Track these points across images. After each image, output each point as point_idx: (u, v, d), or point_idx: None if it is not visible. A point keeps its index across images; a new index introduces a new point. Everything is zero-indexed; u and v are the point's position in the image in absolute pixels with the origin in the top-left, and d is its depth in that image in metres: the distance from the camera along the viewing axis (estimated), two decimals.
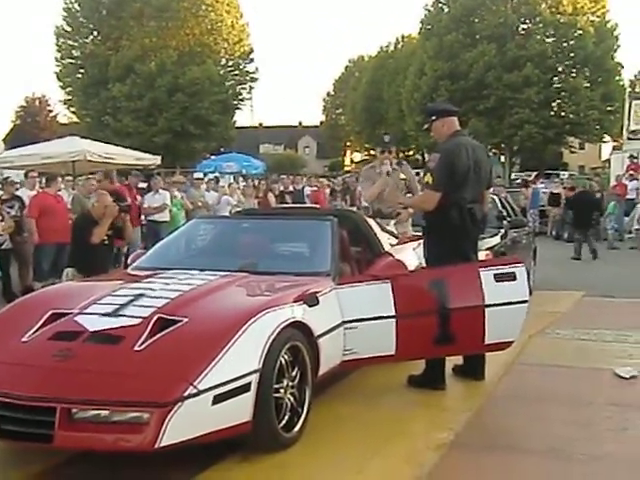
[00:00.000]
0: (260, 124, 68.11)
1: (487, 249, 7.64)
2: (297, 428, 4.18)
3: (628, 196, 19.36)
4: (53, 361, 3.78)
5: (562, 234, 18.70)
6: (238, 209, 11.34)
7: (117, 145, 20.03)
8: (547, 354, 6.43)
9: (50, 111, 53.32)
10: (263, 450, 3.98)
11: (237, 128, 47.40)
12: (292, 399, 4.16)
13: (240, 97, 45.76)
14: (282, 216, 6.65)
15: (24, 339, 4.05)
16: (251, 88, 46.10)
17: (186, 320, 4.05)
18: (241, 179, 22.63)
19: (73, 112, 44.82)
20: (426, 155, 43.82)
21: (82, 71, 42.44)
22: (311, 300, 4.55)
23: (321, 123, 71.20)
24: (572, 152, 46.16)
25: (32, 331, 4.10)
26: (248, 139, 54.89)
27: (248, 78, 45.26)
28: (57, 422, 3.45)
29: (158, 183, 12.19)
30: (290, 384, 4.15)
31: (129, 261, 5.95)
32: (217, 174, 20.84)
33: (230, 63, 44.41)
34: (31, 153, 15.31)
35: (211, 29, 42.58)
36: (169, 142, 39.43)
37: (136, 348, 3.83)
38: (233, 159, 28.48)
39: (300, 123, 77.21)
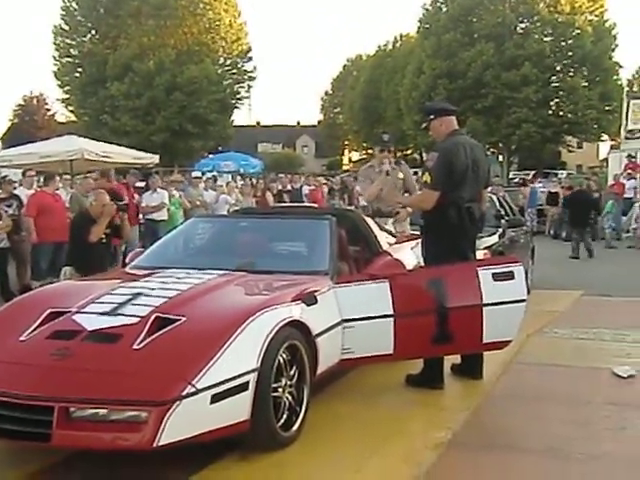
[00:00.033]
0: (258, 123, 68.22)
1: (485, 248, 7.64)
2: (295, 427, 4.18)
3: (626, 195, 19.39)
4: (51, 360, 3.77)
5: (560, 233, 18.72)
6: (236, 208, 11.32)
7: (115, 144, 19.99)
8: (545, 353, 6.44)
9: (48, 110, 53.31)
10: (261, 449, 3.98)
11: (235, 127, 47.43)
12: (290, 398, 4.16)
13: (238, 96, 45.78)
14: (280, 215, 6.64)
15: (22, 338, 4.04)
16: (249, 87, 46.18)
17: (184, 319, 4.04)
18: (239, 178, 22.64)
19: (71, 111, 44.82)
20: (424, 154, 43.83)
21: (80, 70, 42.43)
22: (309, 299, 4.55)
23: (319, 122, 71.18)
24: (570, 151, 46.20)
25: (30, 330, 4.10)
26: (246, 138, 54.95)
27: (246, 77, 45.29)
28: (55, 421, 3.45)
29: (156, 182, 12.18)
30: (288, 383, 4.15)
31: (127, 260, 5.95)
32: (215, 173, 20.84)
33: (228, 62, 44.44)
34: (29, 152, 15.27)
35: (209, 28, 42.58)
36: (167, 141, 39.46)
37: (134, 347, 3.82)
38: (231, 158, 28.45)
39: (298, 122, 77.23)
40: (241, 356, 3.81)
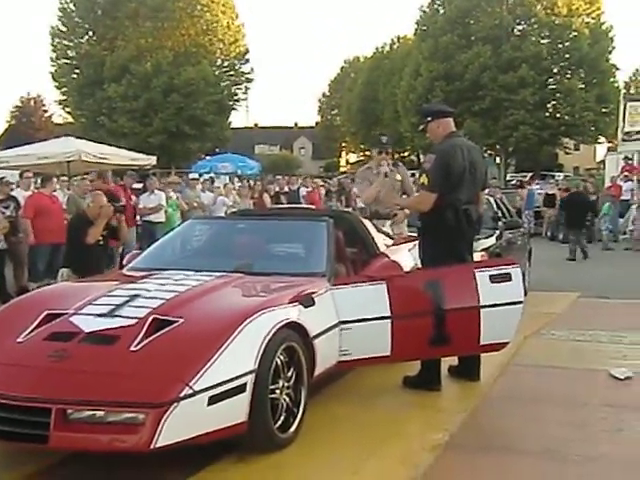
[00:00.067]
0: (255, 125, 68.13)
1: (482, 250, 7.65)
2: (293, 429, 4.18)
3: (623, 197, 19.44)
4: (48, 362, 3.77)
5: (557, 235, 18.76)
6: (233, 210, 11.34)
7: (112, 145, 20.00)
8: (542, 355, 6.44)
9: (45, 111, 53.34)
10: (259, 451, 3.98)
11: (232, 129, 47.36)
12: (288, 400, 4.16)
13: (235, 98, 45.75)
14: (278, 217, 6.65)
15: (19, 340, 4.04)
16: (246, 89, 46.14)
17: (182, 321, 4.04)
18: (236, 180, 22.61)
19: (68, 112, 44.71)
20: (421, 156, 43.77)
21: (77, 71, 42.35)
22: (307, 301, 4.55)
23: (316, 124, 71.22)
24: (567, 153, 46.30)
25: (27, 332, 4.09)
26: (243, 140, 54.92)
27: (243, 79, 45.25)
28: (52, 423, 3.45)
29: (154, 184, 12.17)
30: (286, 385, 4.15)
31: (125, 262, 5.94)
32: (212, 175, 20.84)
33: (225, 64, 44.40)
34: (26, 153, 15.26)
35: (207, 29, 42.55)
36: (164, 142, 39.41)
37: (132, 349, 3.82)
38: (228, 160, 28.44)
39: (296, 124, 77.24)
40: (238, 358, 3.81)
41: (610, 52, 39.71)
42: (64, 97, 43.50)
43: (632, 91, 47.61)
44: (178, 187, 13.44)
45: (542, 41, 39.84)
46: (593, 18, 39.85)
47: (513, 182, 32.39)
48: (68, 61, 42.70)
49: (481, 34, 39.25)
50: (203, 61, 41.06)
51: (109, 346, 3.86)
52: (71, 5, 41.84)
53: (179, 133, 40.14)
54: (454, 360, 5.57)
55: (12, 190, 10.57)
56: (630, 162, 21.89)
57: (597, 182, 22.35)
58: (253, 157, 39.11)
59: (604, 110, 38.35)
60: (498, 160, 42.48)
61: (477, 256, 6.37)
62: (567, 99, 38.93)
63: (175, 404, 3.48)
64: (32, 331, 4.10)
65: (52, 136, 26.84)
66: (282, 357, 4.10)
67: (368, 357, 4.94)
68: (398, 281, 4.99)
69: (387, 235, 6.69)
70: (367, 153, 52.90)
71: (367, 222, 6.39)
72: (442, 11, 41.65)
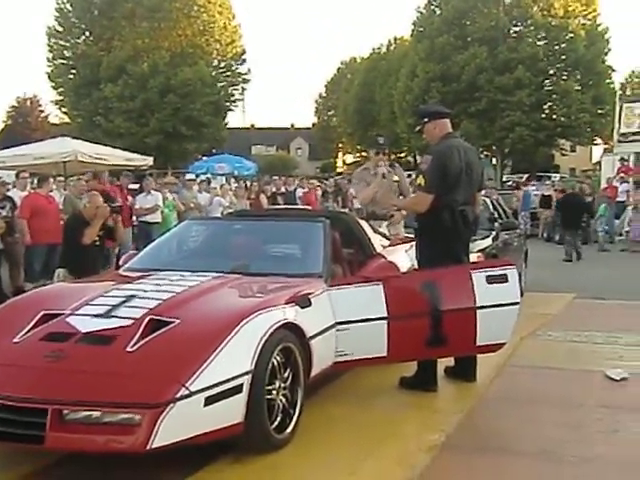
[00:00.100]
0: (252, 125, 68.17)
1: (479, 251, 7.66)
2: (289, 429, 4.18)
3: (619, 198, 19.46)
4: (45, 362, 3.77)
5: (553, 236, 18.78)
6: (230, 210, 11.34)
7: (109, 146, 19.98)
8: (538, 356, 6.45)
9: (41, 111, 53.19)
10: (255, 451, 3.98)
11: (229, 129, 47.34)
12: (284, 400, 4.16)
13: (232, 98, 45.72)
14: (274, 218, 6.64)
15: (16, 340, 4.04)
16: (243, 89, 46.12)
17: (178, 321, 4.04)
18: (233, 180, 22.61)
19: (64, 112, 44.65)
20: (418, 157, 43.83)
21: (74, 71, 42.29)
22: (303, 302, 4.55)
23: (313, 125, 71.19)
24: (563, 154, 46.29)
25: (24, 332, 4.09)
26: (240, 140, 54.90)
27: (240, 79, 45.23)
28: (48, 423, 3.44)
29: (150, 184, 12.17)
30: (282, 385, 4.15)
31: (121, 262, 5.93)
32: (209, 175, 20.81)
33: (222, 64, 44.37)
34: (22, 153, 15.25)
35: (203, 30, 42.52)
36: (161, 143, 39.39)
37: (128, 349, 3.82)
38: (225, 160, 28.38)
39: (292, 125, 77.23)
40: (235, 358, 3.81)
41: (606, 54, 39.76)
42: (60, 97, 43.44)
43: (628, 92, 47.55)
44: (174, 188, 13.43)
45: (538, 42, 39.85)
46: (589, 20, 39.89)
47: (509, 183, 32.43)
48: (65, 61, 42.64)
49: (477, 35, 39.26)
50: (200, 62, 41.04)
51: (105, 347, 3.86)
52: (68, 5, 41.79)
53: (176, 133, 40.11)
54: (450, 361, 5.57)
55: (8, 190, 10.55)
56: (626, 163, 21.96)
57: (593, 183, 22.38)
58: (250, 158, 39.02)
59: (600, 111, 38.38)
60: (494, 161, 42.51)
61: (473, 257, 6.37)
62: (563, 100, 38.97)
63: (171, 405, 3.48)
64: (29, 331, 4.09)
65: (48, 136, 26.80)
66: (278, 358, 4.10)
67: (365, 358, 4.95)
68: (395, 282, 4.99)
69: (384, 236, 6.70)
70: (364, 154, 52.95)
71: (364, 223, 6.40)
72: (438, 12, 41.62)
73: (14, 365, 3.83)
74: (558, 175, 42.36)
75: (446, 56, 39.59)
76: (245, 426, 3.81)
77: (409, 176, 8.38)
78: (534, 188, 23.66)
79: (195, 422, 3.62)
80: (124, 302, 4.30)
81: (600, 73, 39.22)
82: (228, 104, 45.20)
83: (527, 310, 6.68)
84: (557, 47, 39.78)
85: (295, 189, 18.25)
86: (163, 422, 3.44)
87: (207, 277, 4.82)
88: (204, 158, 33.92)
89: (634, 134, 23.65)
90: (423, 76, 39.95)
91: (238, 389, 3.75)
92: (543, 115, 39.86)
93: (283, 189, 17.74)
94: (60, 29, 42.04)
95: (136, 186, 13.41)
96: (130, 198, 11.98)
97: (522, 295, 5.83)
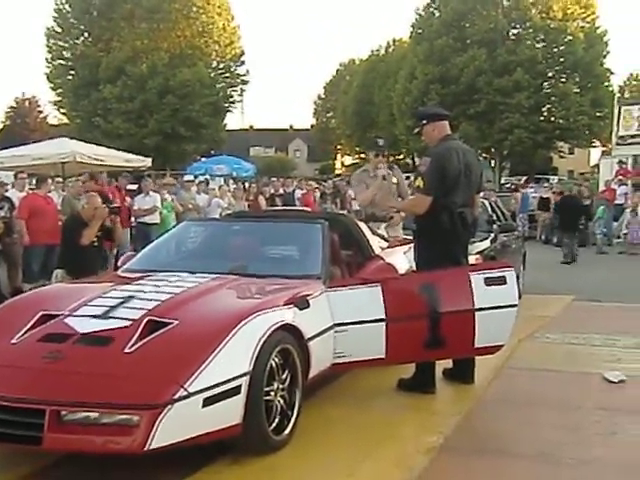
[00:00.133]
0: (251, 127, 68.09)
1: (477, 253, 7.67)
2: (287, 431, 4.18)
3: (617, 201, 19.50)
4: (43, 363, 3.76)
5: (551, 238, 18.79)
6: (228, 212, 11.34)
7: (107, 147, 19.97)
8: (536, 358, 6.45)
9: (40, 112, 53.20)
10: (253, 453, 3.98)
11: (228, 131, 47.35)
12: (282, 402, 4.16)
13: (231, 99, 45.72)
14: (273, 219, 6.63)
15: (14, 340, 4.03)
16: (242, 90, 46.11)
17: (176, 322, 4.04)
18: (231, 182, 22.62)
19: (63, 113, 44.64)
20: (417, 159, 43.88)
21: (73, 72, 42.27)
22: (302, 303, 4.55)
23: (312, 126, 71.19)
24: (562, 157, 46.37)
25: (22, 333, 4.09)
26: (239, 142, 54.88)
27: (239, 80, 45.24)
28: (46, 424, 3.44)
29: (149, 185, 12.17)
30: (280, 387, 4.15)
31: (119, 263, 5.93)
32: (207, 176, 20.80)
33: (221, 65, 44.38)
34: (21, 154, 15.24)
35: (202, 31, 42.53)
36: (160, 144, 39.39)
37: (126, 350, 3.82)
38: (224, 162, 28.38)
39: (291, 126, 77.24)
40: (233, 360, 3.81)
41: (605, 56, 39.82)
42: (59, 98, 43.43)
43: (626, 95, 47.75)
44: (173, 189, 13.42)
45: (537, 45, 39.92)
46: (588, 22, 39.95)
47: (508, 185, 32.46)
48: (63, 62, 42.64)
49: (476, 37, 39.32)
50: (199, 63, 41.06)
51: (104, 347, 3.86)
52: (67, 6, 41.79)
53: (174, 135, 40.13)
54: (448, 363, 5.57)
55: (7, 191, 10.55)
56: (624, 166, 21.97)
57: (591, 186, 22.40)
58: (248, 159, 39.01)
59: (598, 114, 38.44)
60: (493, 163, 42.55)
61: (472, 259, 6.38)
62: (562, 103, 39.04)
63: (169, 406, 3.48)
64: (27, 332, 4.09)
65: (47, 137, 26.83)
66: (277, 359, 4.10)
67: (363, 359, 4.94)
68: (393, 284, 4.99)
69: (382, 238, 6.70)
70: (362, 156, 52.99)
71: (362, 225, 6.40)
72: (438, 14, 41.68)
73: (12, 366, 3.82)
74: (556, 177, 42.38)
75: (445, 58, 39.64)
76: (243, 427, 3.81)
77: (407, 178, 8.39)
78: (532, 190, 23.68)
79: (193, 423, 3.61)
80: (122, 303, 4.30)
81: (599, 76, 39.28)
82: (227, 105, 45.21)
83: (525, 312, 6.69)
84: (556, 50, 39.84)
85: (293, 191, 18.27)
86: (161, 423, 3.44)
87: (205, 278, 4.82)
88: (203, 159, 33.93)
89: (632, 137, 23.69)
90: (422, 78, 39.99)
91: (236, 390, 3.75)
92: (542, 117, 39.93)
93: (281, 190, 17.77)
94: (59, 30, 42.05)
95: (134, 187, 13.43)
96: (128, 199, 11.98)
97: (520, 297, 5.84)
